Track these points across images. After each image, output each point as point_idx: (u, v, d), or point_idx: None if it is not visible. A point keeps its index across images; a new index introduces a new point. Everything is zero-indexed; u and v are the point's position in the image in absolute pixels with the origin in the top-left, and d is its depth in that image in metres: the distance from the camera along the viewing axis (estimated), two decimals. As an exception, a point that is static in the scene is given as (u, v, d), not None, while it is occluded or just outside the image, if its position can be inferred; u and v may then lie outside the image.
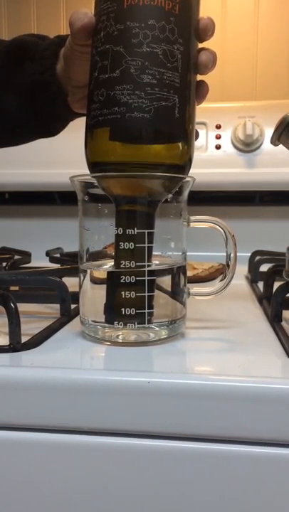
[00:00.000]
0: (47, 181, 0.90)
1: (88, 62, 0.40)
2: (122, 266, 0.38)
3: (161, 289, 0.40)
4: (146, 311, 0.38)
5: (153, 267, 0.39)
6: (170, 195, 0.39)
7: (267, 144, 0.86)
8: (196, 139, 0.41)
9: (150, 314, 0.38)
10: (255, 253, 0.76)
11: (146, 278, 0.38)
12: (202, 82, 0.43)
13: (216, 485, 0.32)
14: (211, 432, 0.31)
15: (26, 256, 0.79)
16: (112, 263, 0.39)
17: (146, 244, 0.38)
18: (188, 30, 0.38)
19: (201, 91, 0.42)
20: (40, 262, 0.73)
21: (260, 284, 0.60)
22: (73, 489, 0.33)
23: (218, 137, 0.89)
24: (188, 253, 0.42)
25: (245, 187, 0.89)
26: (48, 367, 0.33)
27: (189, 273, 0.67)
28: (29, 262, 0.78)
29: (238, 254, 0.42)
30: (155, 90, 0.36)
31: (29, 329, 0.41)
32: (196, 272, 0.69)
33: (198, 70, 0.41)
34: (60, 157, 0.88)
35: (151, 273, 0.38)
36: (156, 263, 0.40)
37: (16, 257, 0.77)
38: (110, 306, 0.39)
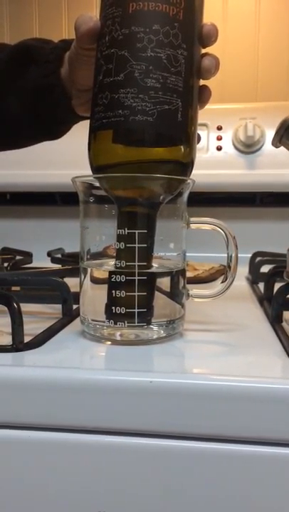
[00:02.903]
0: (48, 182, 0.90)
1: (92, 67, 0.41)
2: (123, 266, 0.38)
3: (160, 289, 0.40)
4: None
5: (153, 269, 0.39)
6: (171, 196, 0.40)
7: (268, 146, 0.86)
8: (197, 143, 0.42)
9: (150, 314, 0.39)
10: (255, 254, 0.76)
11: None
12: (205, 86, 0.43)
13: (217, 484, 0.32)
14: (212, 431, 0.32)
15: (28, 256, 0.79)
16: (113, 263, 0.39)
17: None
18: (191, 35, 0.39)
19: (203, 96, 0.43)
20: (41, 262, 0.74)
21: (261, 285, 0.60)
22: (75, 488, 0.33)
23: (219, 138, 0.90)
24: (189, 254, 0.43)
25: (246, 188, 0.89)
26: (50, 367, 0.34)
27: (190, 274, 0.68)
28: (30, 262, 0.78)
29: (238, 255, 0.42)
30: (159, 94, 0.37)
31: (31, 329, 0.41)
32: (196, 272, 0.69)
33: (201, 75, 0.41)
34: (61, 158, 0.88)
35: (152, 273, 0.39)
36: (155, 265, 0.40)
37: (18, 257, 0.77)
38: (111, 304, 0.39)
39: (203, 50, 0.42)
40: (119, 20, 0.38)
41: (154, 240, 0.39)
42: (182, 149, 0.39)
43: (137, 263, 0.38)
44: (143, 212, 0.39)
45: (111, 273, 0.39)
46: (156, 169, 0.38)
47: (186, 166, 0.40)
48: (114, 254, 0.39)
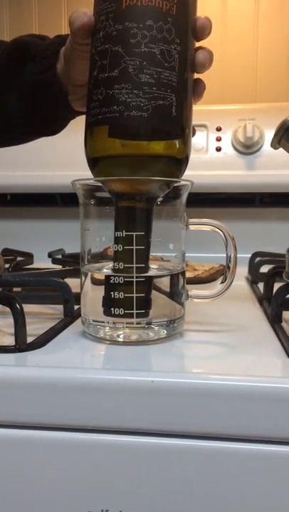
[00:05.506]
0: (48, 183, 0.91)
1: (88, 62, 0.41)
2: (120, 268, 0.38)
3: (159, 289, 0.41)
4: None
5: (152, 271, 0.40)
6: (168, 190, 0.40)
7: (267, 147, 0.87)
8: (192, 136, 0.42)
9: (149, 313, 0.39)
10: (255, 254, 0.76)
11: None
12: (199, 80, 0.43)
13: (218, 482, 0.32)
14: (213, 430, 0.32)
15: (29, 257, 0.79)
16: (112, 264, 0.40)
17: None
18: (185, 30, 0.39)
19: (198, 89, 0.43)
20: (42, 263, 0.74)
21: (261, 285, 0.60)
22: (77, 486, 0.33)
23: (218, 139, 0.90)
24: (189, 254, 0.43)
25: (245, 189, 0.89)
26: (52, 367, 0.34)
27: (190, 274, 0.68)
28: (31, 263, 0.79)
29: (238, 255, 0.42)
30: (153, 89, 0.37)
31: (33, 330, 0.41)
32: (196, 273, 0.70)
33: (195, 69, 0.41)
34: (62, 159, 0.88)
35: (151, 273, 0.39)
36: (154, 266, 0.41)
37: (19, 258, 0.78)
38: (109, 300, 0.39)
39: (199, 44, 0.42)
40: (113, 16, 0.38)
41: (150, 236, 0.39)
42: (177, 144, 0.39)
43: (134, 265, 0.38)
44: (140, 207, 0.39)
45: (109, 275, 0.40)
46: (152, 164, 0.38)
47: (181, 160, 0.40)
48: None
